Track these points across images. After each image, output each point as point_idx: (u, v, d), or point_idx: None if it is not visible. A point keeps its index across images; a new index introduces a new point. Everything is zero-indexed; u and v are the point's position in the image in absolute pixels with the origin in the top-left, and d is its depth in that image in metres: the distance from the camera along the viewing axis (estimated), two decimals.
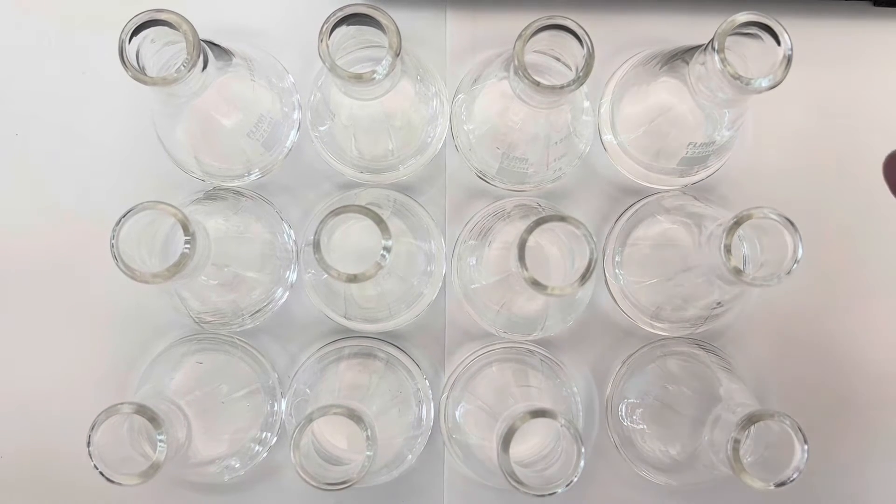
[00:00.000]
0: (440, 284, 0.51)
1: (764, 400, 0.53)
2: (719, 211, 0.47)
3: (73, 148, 0.53)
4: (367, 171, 0.49)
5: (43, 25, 0.54)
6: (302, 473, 0.40)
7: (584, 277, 0.39)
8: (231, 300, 0.47)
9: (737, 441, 0.40)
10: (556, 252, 0.49)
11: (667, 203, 0.49)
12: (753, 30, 0.39)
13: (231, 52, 0.44)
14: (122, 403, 0.41)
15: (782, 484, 0.40)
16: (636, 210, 0.50)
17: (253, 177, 0.50)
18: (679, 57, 0.43)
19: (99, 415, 0.40)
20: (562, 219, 0.40)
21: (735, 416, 0.41)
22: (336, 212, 0.39)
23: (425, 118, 0.47)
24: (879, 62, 0.54)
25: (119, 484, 0.40)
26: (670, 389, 0.49)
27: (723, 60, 0.38)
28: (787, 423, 0.40)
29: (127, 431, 0.42)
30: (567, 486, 0.41)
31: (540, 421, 0.41)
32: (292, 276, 0.51)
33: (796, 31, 0.40)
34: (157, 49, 0.40)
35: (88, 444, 0.40)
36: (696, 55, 0.41)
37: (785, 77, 0.39)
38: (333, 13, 0.38)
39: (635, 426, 0.49)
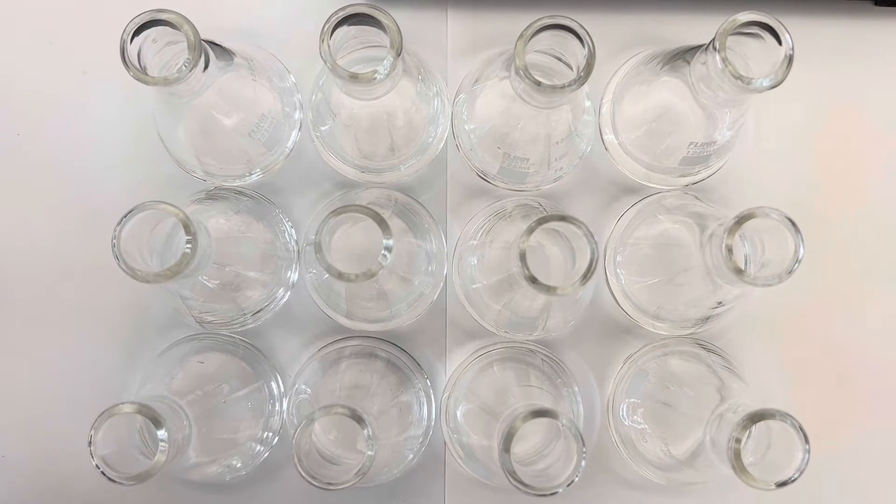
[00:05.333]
0: (441, 284, 0.51)
1: (765, 400, 0.53)
2: (720, 210, 0.47)
3: (75, 148, 0.53)
4: (368, 171, 0.49)
5: (43, 25, 0.54)
6: (303, 473, 0.40)
7: (586, 277, 0.39)
8: (232, 300, 0.47)
9: (738, 440, 0.40)
10: (557, 252, 0.49)
11: (668, 203, 0.49)
12: (754, 29, 0.39)
13: (232, 52, 0.44)
14: (123, 403, 0.41)
15: (784, 484, 0.40)
16: (637, 210, 0.50)
17: (254, 177, 0.50)
18: (680, 56, 0.43)
19: (100, 414, 0.40)
20: (563, 218, 0.40)
21: (736, 415, 0.41)
22: (337, 211, 0.39)
23: (426, 118, 0.47)
24: (880, 62, 0.54)
25: (120, 483, 0.40)
26: (671, 389, 0.49)
27: (724, 60, 0.38)
28: (789, 422, 0.40)
29: (128, 431, 0.42)
30: (568, 485, 0.41)
31: (541, 420, 0.41)
32: (293, 276, 0.51)
33: (797, 30, 0.40)
34: (158, 49, 0.40)
35: (90, 443, 0.40)
36: (697, 55, 0.41)
37: (786, 77, 0.39)
38: (335, 13, 0.38)
39: (636, 426, 0.49)
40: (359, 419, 0.41)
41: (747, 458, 0.40)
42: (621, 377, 0.51)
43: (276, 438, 0.51)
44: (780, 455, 0.41)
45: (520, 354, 0.51)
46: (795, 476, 0.40)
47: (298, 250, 0.51)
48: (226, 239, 0.46)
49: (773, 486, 0.40)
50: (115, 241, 0.39)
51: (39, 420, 0.53)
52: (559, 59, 0.43)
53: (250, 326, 0.50)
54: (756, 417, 0.40)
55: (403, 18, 0.40)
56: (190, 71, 0.38)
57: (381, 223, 0.40)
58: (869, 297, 0.54)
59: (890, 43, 0.54)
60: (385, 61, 0.38)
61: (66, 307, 0.53)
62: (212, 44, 0.41)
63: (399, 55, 0.39)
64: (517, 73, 0.39)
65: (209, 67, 0.40)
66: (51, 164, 0.53)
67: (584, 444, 0.41)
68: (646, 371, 0.50)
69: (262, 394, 0.49)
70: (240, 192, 0.50)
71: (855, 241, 0.54)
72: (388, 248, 0.39)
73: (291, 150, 0.50)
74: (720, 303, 0.46)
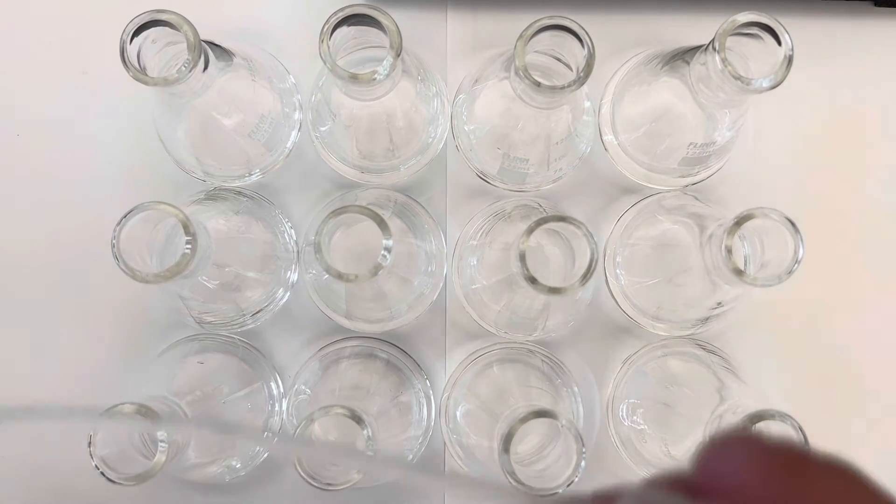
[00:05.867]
0: (441, 284, 0.51)
1: (765, 400, 0.53)
2: (720, 211, 0.47)
3: (75, 148, 0.53)
4: (367, 172, 0.49)
5: (43, 25, 0.54)
6: (303, 473, 0.40)
7: (585, 277, 0.39)
8: (232, 300, 0.47)
9: None
10: (556, 252, 0.49)
11: (667, 203, 0.49)
12: (754, 30, 0.39)
13: (232, 53, 0.44)
14: (123, 403, 0.41)
15: None
16: (637, 210, 0.50)
17: (254, 177, 0.50)
18: (680, 57, 0.43)
19: (100, 415, 0.40)
20: (562, 219, 0.40)
21: (736, 416, 0.41)
22: (337, 212, 0.39)
23: (426, 118, 0.47)
24: (880, 62, 0.54)
25: (120, 484, 0.40)
26: (671, 390, 0.49)
27: (724, 61, 0.38)
28: (789, 423, 0.40)
29: (128, 431, 0.42)
30: (568, 486, 0.41)
31: (541, 421, 0.41)
32: (293, 277, 0.51)
33: (797, 31, 0.40)
34: (158, 49, 0.40)
35: (89, 443, 0.40)
36: (696, 55, 0.41)
37: (786, 77, 0.39)
38: (334, 13, 0.38)
39: (636, 426, 0.49)
40: (358, 420, 0.41)
41: None
42: (620, 378, 0.51)
43: (276, 440, 0.51)
44: None
45: (519, 355, 0.51)
46: None
47: (298, 251, 0.51)
48: (225, 239, 0.46)
49: None
50: (114, 241, 0.39)
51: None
52: (559, 60, 0.43)
53: (250, 327, 0.50)
54: (756, 418, 0.40)
55: (403, 19, 0.40)
56: (189, 71, 0.38)
57: (381, 224, 0.40)
58: (869, 298, 0.54)
59: (890, 43, 0.54)
60: (385, 62, 0.38)
61: (65, 307, 0.53)
62: (211, 44, 0.41)
63: (399, 56, 0.39)
64: (517, 73, 0.39)
65: (209, 68, 0.40)
66: (50, 164, 0.53)
67: (583, 445, 0.41)
68: (645, 372, 0.50)
69: (262, 394, 0.49)
70: (239, 193, 0.50)
71: (855, 241, 0.54)
72: (388, 249, 0.39)
73: (291, 150, 0.50)
74: (720, 303, 0.46)
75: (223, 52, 0.43)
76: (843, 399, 0.54)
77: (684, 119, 0.45)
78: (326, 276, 0.39)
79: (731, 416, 0.42)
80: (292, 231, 0.51)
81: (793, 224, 0.40)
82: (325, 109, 0.46)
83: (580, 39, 0.39)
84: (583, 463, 0.41)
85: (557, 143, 0.46)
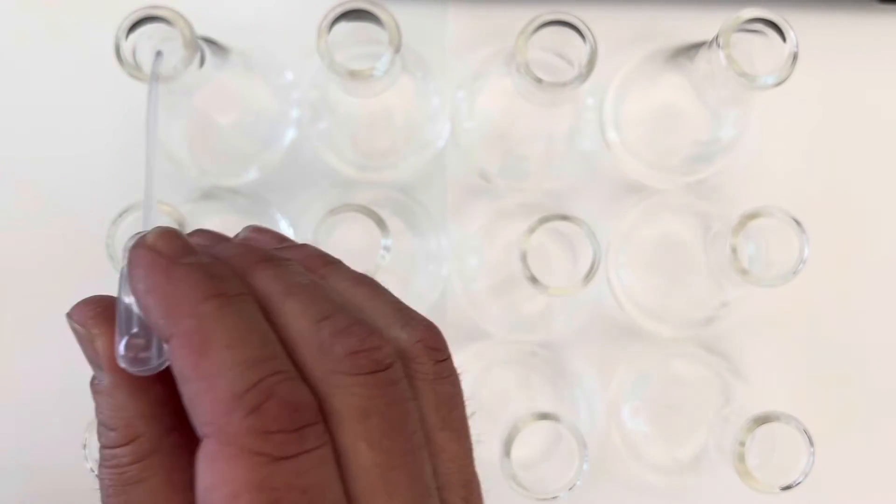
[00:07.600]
0: (441, 284, 0.50)
1: (770, 402, 0.52)
2: (725, 210, 0.47)
3: (69, 146, 0.53)
4: (366, 170, 0.49)
5: (41, 24, 0.53)
6: None
7: (587, 277, 0.39)
8: None
9: (742, 444, 0.40)
10: (558, 252, 0.48)
11: (671, 202, 0.49)
12: (758, 26, 0.39)
13: (228, 49, 0.43)
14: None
15: (788, 487, 0.40)
16: (640, 209, 0.50)
17: (250, 175, 0.49)
18: (683, 54, 0.42)
19: (94, 418, 0.40)
20: (564, 218, 0.39)
21: (740, 418, 0.41)
22: (335, 211, 0.39)
23: (425, 115, 0.47)
24: (885, 59, 0.54)
25: None
26: (674, 392, 0.48)
27: (728, 57, 0.38)
28: (794, 425, 0.40)
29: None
30: (570, 489, 0.40)
31: (542, 424, 0.40)
32: None
33: (801, 27, 0.39)
34: (153, 46, 0.39)
35: (84, 446, 0.40)
36: (700, 52, 0.40)
37: (791, 74, 0.39)
38: (332, 9, 0.38)
39: (639, 428, 0.48)
40: (378, 220, 0.40)
41: (752, 462, 0.40)
42: (623, 379, 0.51)
43: None
44: (784, 458, 0.40)
45: (521, 356, 0.51)
46: (800, 479, 0.40)
47: None
48: None
49: (778, 490, 0.40)
50: (109, 241, 0.38)
51: (36, 422, 0.53)
52: (561, 56, 0.43)
53: None
54: (760, 420, 0.40)
55: (402, 13, 0.39)
56: (185, 68, 0.38)
57: (380, 222, 0.39)
58: (874, 298, 0.53)
59: (894, 41, 0.54)
60: (383, 58, 0.38)
61: (61, 309, 0.52)
62: (207, 40, 0.41)
63: (398, 51, 0.38)
64: (518, 70, 0.38)
65: (205, 65, 0.40)
66: (44, 162, 0.53)
67: (586, 448, 0.40)
68: (648, 373, 0.49)
69: None
70: (235, 192, 0.50)
71: (861, 240, 0.53)
72: (387, 248, 0.39)
73: (288, 148, 0.50)
74: (724, 303, 0.45)
75: (219, 49, 0.42)
76: (849, 401, 0.53)
77: (688, 116, 0.44)
78: None
79: (736, 419, 0.41)
80: (290, 230, 0.50)
81: (798, 223, 0.39)
82: (323, 106, 0.46)
83: (582, 35, 0.38)
84: (585, 465, 0.40)
85: (559, 140, 0.45)
